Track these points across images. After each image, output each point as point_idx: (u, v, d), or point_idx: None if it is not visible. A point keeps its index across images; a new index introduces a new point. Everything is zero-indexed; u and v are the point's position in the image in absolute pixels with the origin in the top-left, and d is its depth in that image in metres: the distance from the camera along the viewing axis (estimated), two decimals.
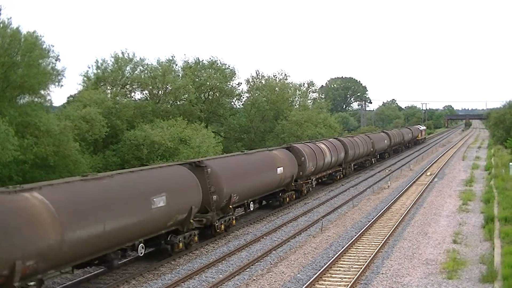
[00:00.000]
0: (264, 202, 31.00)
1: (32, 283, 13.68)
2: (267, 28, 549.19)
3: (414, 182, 41.17)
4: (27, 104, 32.33)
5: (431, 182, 41.00)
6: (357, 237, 22.74)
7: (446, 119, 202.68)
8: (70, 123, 33.28)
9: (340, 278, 17.64)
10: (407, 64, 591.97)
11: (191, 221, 20.67)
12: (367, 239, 22.90)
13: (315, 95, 72.52)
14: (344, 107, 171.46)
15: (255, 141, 56.76)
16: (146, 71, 47.44)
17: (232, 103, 59.99)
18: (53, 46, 34.12)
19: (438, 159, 61.68)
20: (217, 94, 55.58)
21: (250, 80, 62.36)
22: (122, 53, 46.36)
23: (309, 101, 68.80)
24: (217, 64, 56.04)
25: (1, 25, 30.80)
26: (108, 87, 46.05)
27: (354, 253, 20.65)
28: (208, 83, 54.34)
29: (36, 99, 33.23)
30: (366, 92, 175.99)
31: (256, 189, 27.03)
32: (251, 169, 26.33)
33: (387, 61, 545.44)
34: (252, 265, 19.35)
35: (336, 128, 65.61)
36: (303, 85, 68.05)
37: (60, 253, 14.02)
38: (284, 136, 55.73)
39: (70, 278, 17.74)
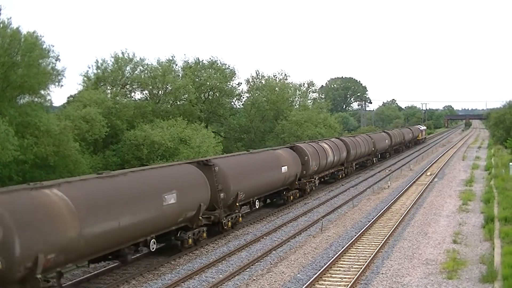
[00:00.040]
0: (268, 201, 31.42)
1: (52, 276, 14.38)
2: (267, 28, 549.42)
3: (414, 182, 41.17)
4: (27, 104, 32.34)
5: (431, 182, 41.00)
6: (357, 237, 22.74)
7: (446, 119, 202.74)
8: (70, 123, 33.29)
9: (340, 278, 17.64)
10: (407, 64, 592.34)
11: (200, 218, 21.18)
12: (367, 239, 22.89)
13: (315, 95, 72.68)
14: (344, 107, 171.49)
15: (255, 141, 56.77)
16: (146, 71, 47.48)
17: (232, 103, 60.07)
18: (53, 46, 34.20)
19: (438, 159, 61.68)
20: (217, 94, 55.60)
21: (250, 80, 62.46)
22: (122, 53, 46.46)
23: (309, 101, 68.90)
24: (217, 64, 56.09)
25: (1, 25, 30.80)
26: (108, 87, 46.07)
27: (354, 253, 20.65)
28: (208, 83, 54.37)
29: (36, 99, 33.24)
30: (366, 92, 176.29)
31: (262, 187, 27.62)
32: (257, 168, 26.89)
33: (387, 61, 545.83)
34: (252, 265, 19.35)
35: (336, 128, 65.64)
36: (303, 85, 68.14)
37: (78, 247, 14.64)
38: (284, 136, 55.75)
39: (70, 278, 17.74)
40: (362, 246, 21.82)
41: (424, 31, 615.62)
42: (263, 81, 62.26)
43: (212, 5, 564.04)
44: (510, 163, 43.06)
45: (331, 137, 49.91)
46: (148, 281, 17.78)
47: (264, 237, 23.66)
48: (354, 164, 48.32)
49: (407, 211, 28.70)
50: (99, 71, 45.81)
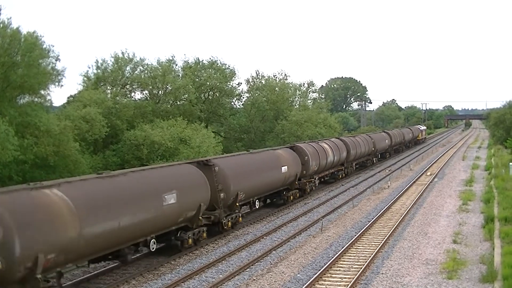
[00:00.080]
0: (268, 201, 31.48)
1: (52, 276, 14.44)
2: (267, 28, 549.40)
3: (414, 182, 41.17)
4: (27, 104, 32.33)
5: (431, 182, 41.00)
6: (357, 237, 22.74)
7: (446, 119, 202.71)
8: (70, 123, 33.29)
9: (340, 278, 17.64)
10: (407, 64, 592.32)
11: (200, 218, 21.23)
12: (367, 239, 22.89)
13: (315, 95, 72.68)
14: (344, 107, 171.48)
15: (255, 141, 56.77)
16: (146, 71, 47.48)
17: (232, 103, 60.07)
18: (53, 46, 34.19)
19: (438, 159, 61.68)
20: (217, 94, 55.60)
21: (250, 80, 62.45)
22: (122, 53, 46.45)
23: (309, 101, 68.89)
24: (217, 64, 56.08)
25: (1, 25, 30.79)
26: (108, 87, 46.07)
27: (354, 253, 20.65)
28: (208, 83, 54.36)
29: (36, 99, 33.23)
30: (366, 92, 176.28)
31: (262, 187, 27.67)
32: (257, 168, 26.94)
33: (387, 61, 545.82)
34: (252, 265, 19.35)
35: (336, 128, 65.65)
36: (303, 85, 68.13)
37: (78, 247, 14.69)
38: (284, 136, 55.76)
39: (70, 278, 17.74)
40: (362, 246, 21.82)
41: (424, 31, 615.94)
42: (263, 81, 62.27)
43: (212, 5, 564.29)
44: (510, 163, 43.06)
45: (331, 137, 49.97)
46: (148, 281, 17.78)
47: (264, 237, 23.66)
48: (354, 164, 48.34)
49: (407, 211, 28.69)
50: (99, 71, 45.84)
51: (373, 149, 54.47)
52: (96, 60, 47.19)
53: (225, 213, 23.71)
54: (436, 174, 45.93)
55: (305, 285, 16.53)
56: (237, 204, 24.47)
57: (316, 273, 17.72)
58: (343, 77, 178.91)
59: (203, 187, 21.37)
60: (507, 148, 60.82)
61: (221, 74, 54.51)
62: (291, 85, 65.02)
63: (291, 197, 32.21)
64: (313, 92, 70.58)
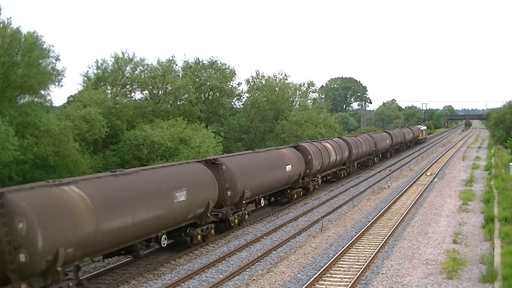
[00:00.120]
0: (272, 199, 31.95)
1: (70, 269, 15.10)
2: (267, 28, 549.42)
3: (414, 182, 41.17)
4: (27, 104, 32.30)
5: (431, 182, 41.00)
6: (357, 237, 22.74)
7: (446, 119, 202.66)
8: (70, 123, 33.26)
9: (340, 278, 17.64)
10: (407, 64, 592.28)
11: (208, 215, 21.84)
12: (367, 239, 22.89)
13: (315, 95, 72.58)
14: (344, 107, 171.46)
15: (255, 141, 56.76)
16: (146, 71, 47.45)
17: (232, 103, 60.06)
18: (53, 46, 34.11)
19: (438, 159, 61.67)
20: (217, 94, 55.58)
21: (250, 80, 62.42)
22: (122, 53, 46.41)
23: (309, 101, 68.83)
24: (217, 64, 56.06)
25: (1, 25, 30.77)
26: (108, 87, 46.04)
27: (354, 253, 20.65)
28: (208, 83, 54.34)
29: (36, 99, 33.21)
30: (366, 92, 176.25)
31: (267, 185, 28.26)
32: (262, 167, 27.60)
33: (387, 61, 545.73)
34: (252, 265, 19.35)
35: (336, 128, 65.64)
36: (303, 85, 68.08)
37: (95, 242, 15.27)
38: (284, 136, 55.76)
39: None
40: (362, 246, 21.82)
41: (424, 31, 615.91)
42: (263, 81, 62.24)
43: (212, 5, 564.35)
44: (510, 163, 43.06)
45: (334, 136, 50.46)
46: (148, 281, 17.78)
47: (264, 237, 23.66)
48: (355, 164, 48.79)
49: (407, 211, 28.70)
50: (99, 71, 45.81)
51: (374, 148, 54.97)
52: (96, 60, 47.23)
53: (232, 211, 24.33)
54: (436, 174, 45.93)
55: (305, 285, 16.53)
56: (244, 201, 25.01)
57: (316, 273, 17.72)
58: (343, 77, 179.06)
59: (211, 185, 22.05)
60: (507, 148, 60.81)
61: (221, 74, 54.50)
62: (291, 85, 65.06)
63: (295, 196, 32.88)
64: (313, 92, 70.63)
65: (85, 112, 36.45)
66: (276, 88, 60.98)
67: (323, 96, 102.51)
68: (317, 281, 17.24)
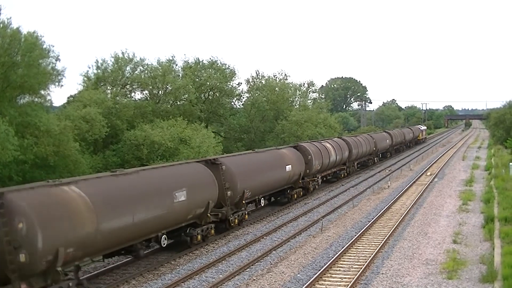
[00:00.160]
0: (272, 199, 32.02)
1: (70, 269, 15.17)
2: (267, 28, 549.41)
3: (414, 182, 41.17)
4: (27, 104, 32.30)
5: (431, 182, 41.00)
6: (357, 237, 22.74)
7: (446, 119, 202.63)
8: (70, 123, 33.26)
9: (340, 278, 17.64)
10: (407, 64, 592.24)
11: (208, 215, 21.91)
12: (367, 239, 22.89)
13: (315, 95, 72.59)
14: (344, 107, 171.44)
15: (255, 141, 56.75)
16: (146, 71, 47.45)
17: (232, 103, 60.06)
18: (53, 46, 34.11)
19: (438, 159, 61.67)
20: (217, 94, 55.58)
21: (250, 80, 62.42)
22: (122, 53, 46.41)
23: (309, 101, 68.83)
24: (217, 64, 56.05)
25: (1, 25, 30.76)
26: (108, 87, 46.03)
27: (354, 253, 20.65)
28: (208, 83, 54.34)
29: (36, 99, 33.20)
30: (366, 92, 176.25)
31: (267, 185, 28.32)
32: (262, 167, 27.67)
33: (387, 61, 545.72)
34: (252, 265, 19.35)
35: (336, 128, 65.64)
36: (303, 85, 68.08)
37: (95, 242, 15.31)
38: (284, 136, 55.76)
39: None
40: (362, 246, 21.81)
41: (424, 31, 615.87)
42: (263, 81, 62.23)
43: (212, 5, 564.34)
44: (510, 163, 43.05)
45: (334, 136, 50.51)
46: (148, 281, 17.78)
47: (264, 237, 23.66)
48: (355, 164, 48.85)
49: (407, 211, 28.69)
50: (99, 71, 45.80)
51: (374, 148, 55.07)
52: (96, 60, 47.23)
53: (232, 211, 24.38)
54: (436, 174, 45.93)
55: (305, 285, 16.53)
56: (244, 201, 25.04)
57: (316, 273, 17.72)
58: (343, 77, 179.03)
59: (211, 185, 22.11)
60: (507, 148, 60.80)
61: (221, 74, 54.50)
62: (291, 85, 65.05)
63: (295, 196, 32.95)
64: (313, 92, 70.63)
65: (85, 112, 36.44)
66: (276, 88, 60.97)
67: (323, 96, 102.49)
68: (317, 281, 17.24)
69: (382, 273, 18.03)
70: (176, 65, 52.38)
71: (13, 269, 13.05)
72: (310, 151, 34.70)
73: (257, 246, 22.18)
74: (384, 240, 22.22)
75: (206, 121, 52.59)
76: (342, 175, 44.41)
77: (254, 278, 17.87)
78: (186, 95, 49.24)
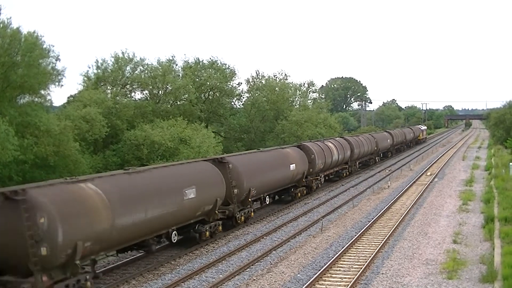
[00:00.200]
0: (276, 197, 32.54)
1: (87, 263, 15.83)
2: (267, 28, 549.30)
3: (414, 182, 41.16)
4: (27, 104, 32.30)
5: (431, 182, 40.99)
6: (357, 237, 22.73)
7: (446, 119, 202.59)
8: (70, 123, 33.26)
9: (340, 278, 17.63)
10: (407, 64, 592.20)
11: (216, 212, 22.56)
12: (367, 239, 22.89)
13: (315, 95, 72.58)
14: (344, 107, 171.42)
15: (255, 141, 56.76)
16: (146, 71, 47.45)
17: (232, 103, 60.08)
18: (53, 46, 34.09)
19: (438, 159, 61.66)
20: (217, 94, 55.58)
21: (250, 80, 62.42)
22: (122, 53, 46.43)
23: (309, 101, 68.83)
24: (217, 64, 56.06)
25: (1, 25, 30.75)
26: (108, 87, 46.04)
27: (354, 253, 20.64)
28: (208, 83, 54.35)
29: (36, 99, 33.20)
30: (366, 92, 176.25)
31: (272, 184, 28.87)
32: (267, 166, 28.28)
33: (387, 61, 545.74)
34: (252, 265, 19.35)
35: (336, 128, 65.64)
36: (303, 85, 68.07)
37: (111, 237, 15.89)
38: (284, 136, 55.75)
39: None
40: (362, 246, 21.81)
41: (424, 31, 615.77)
42: (263, 81, 62.22)
43: (212, 5, 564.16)
44: (510, 163, 43.04)
45: (336, 136, 50.79)
46: (148, 281, 17.78)
47: (264, 237, 23.66)
48: (357, 163, 49.20)
49: (407, 211, 28.69)
50: (99, 71, 45.81)
51: (375, 148, 55.46)
52: (96, 60, 47.23)
53: (238, 208, 24.87)
54: (436, 174, 45.92)
55: (305, 285, 16.53)
56: (250, 199, 25.55)
57: (316, 273, 17.71)
58: (343, 77, 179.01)
59: (219, 183, 22.73)
60: (507, 148, 60.79)
61: (221, 74, 54.49)
62: (291, 85, 65.06)
63: (299, 194, 33.47)
64: (313, 92, 70.61)
65: (85, 112, 36.45)
66: (276, 88, 60.97)
67: (323, 96, 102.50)
68: (317, 281, 17.24)
69: (382, 273, 18.02)
70: (176, 65, 52.47)
71: (35, 262, 13.60)
72: (314, 150, 35.14)
73: (257, 246, 22.18)
74: (384, 240, 22.22)
75: (206, 121, 52.59)
76: (344, 174, 44.92)
77: (254, 278, 17.87)
78: (186, 95, 49.25)
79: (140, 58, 47.64)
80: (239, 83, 59.95)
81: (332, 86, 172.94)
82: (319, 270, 18.11)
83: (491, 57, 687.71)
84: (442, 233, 23.87)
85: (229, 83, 56.31)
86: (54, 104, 39.44)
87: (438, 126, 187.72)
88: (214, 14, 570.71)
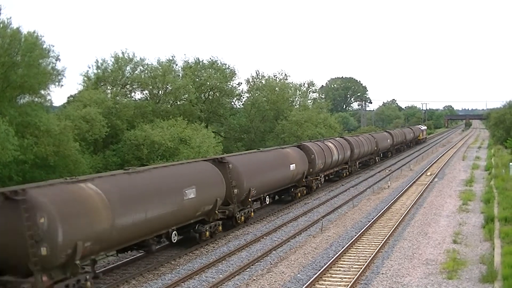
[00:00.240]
0: (276, 197, 32.56)
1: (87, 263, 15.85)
2: (267, 28, 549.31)
3: (414, 182, 41.15)
4: (27, 104, 32.31)
5: (431, 182, 40.98)
6: (357, 237, 22.73)
7: (446, 119, 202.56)
8: (70, 123, 33.26)
9: (340, 278, 17.63)
10: (407, 64, 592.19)
11: (216, 212, 22.57)
12: (367, 239, 22.89)
13: (315, 95, 72.60)
14: (344, 107, 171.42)
15: (255, 141, 56.76)
16: (146, 71, 47.46)
17: (232, 103, 60.08)
18: (53, 46, 34.12)
19: (438, 159, 61.65)
20: (217, 94, 55.59)
21: (250, 80, 62.43)
22: (122, 53, 46.44)
23: (309, 101, 68.85)
24: (217, 64, 56.07)
25: (1, 25, 30.75)
26: (108, 87, 46.05)
27: (354, 253, 20.64)
28: (208, 83, 54.36)
29: (36, 99, 33.21)
30: (366, 92, 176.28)
31: (272, 184, 28.89)
32: (267, 166, 28.29)
33: (387, 61, 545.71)
34: (252, 265, 19.35)
35: (336, 128, 65.64)
36: (303, 85, 68.09)
37: (111, 237, 15.90)
38: (284, 136, 55.75)
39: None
40: (362, 246, 21.81)
41: (424, 31, 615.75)
42: (263, 81, 62.23)
43: (212, 5, 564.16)
44: (510, 163, 43.03)
45: (336, 136, 50.77)
46: (148, 281, 17.78)
47: (264, 237, 23.66)
48: (357, 163, 49.23)
49: (407, 211, 28.68)
50: (99, 71, 45.82)
51: (375, 148, 55.47)
52: (96, 60, 47.24)
53: (238, 208, 24.86)
54: (436, 174, 45.92)
55: (305, 285, 16.52)
56: (250, 199, 25.55)
57: (316, 273, 17.71)
58: (343, 77, 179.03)
59: (219, 183, 22.76)
60: (507, 148, 60.79)
61: (221, 74, 54.50)
62: (291, 85, 65.08)
63: (299, 194, 33.49)
64: (313, 92, 70.63)
65: (85, 112, 36.45)
66: (276, 88, 60.98)
67: (323, 96, 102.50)
68: (317, 281, 17.23)
69: (382, 273, 18.02)
70: (176, 65, 52.48)
71: (35, 262, 13.62)
72: (314, 150, 35.15)
73: (257, 246, 22.17)
74: (384, 240, 22.22)
75: (206, 121, 52.59)
76: (344, 174, 44.93)
77: (254, 278, 17.86)
78: (186, 95, 49.26)
79: (140, 58, 47.76)
80: (239, 83, 60.08)
81: (332, 86, 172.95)
82: (319, 270, 18.11)
83: (491, 57, 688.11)
84: (442, 233, 23.87)
85: (229, 83, 56.33)
86: (54, 104, 39.50)
87: (438, 126, 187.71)
88: (214, 14, 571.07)
